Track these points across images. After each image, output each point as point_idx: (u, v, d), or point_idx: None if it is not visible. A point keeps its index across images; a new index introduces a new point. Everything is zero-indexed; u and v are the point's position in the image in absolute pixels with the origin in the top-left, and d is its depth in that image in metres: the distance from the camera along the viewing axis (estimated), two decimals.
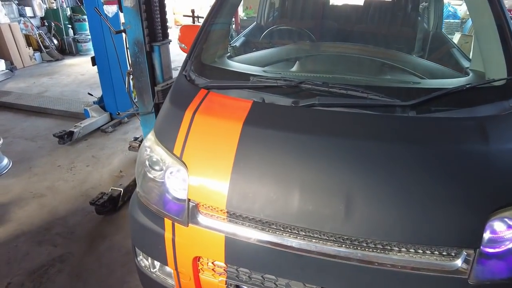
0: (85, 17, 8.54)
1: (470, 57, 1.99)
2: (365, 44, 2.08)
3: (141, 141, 3.37)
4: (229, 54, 2.05)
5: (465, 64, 1.97)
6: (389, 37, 2.38)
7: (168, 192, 1.35)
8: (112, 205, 2.64)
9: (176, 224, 1.31)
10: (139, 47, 2.61)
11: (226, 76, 1.64)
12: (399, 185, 1.11)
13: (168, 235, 1.34)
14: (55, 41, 8.29)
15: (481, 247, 1.07)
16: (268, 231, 1.18)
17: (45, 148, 3.75)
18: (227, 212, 1.21)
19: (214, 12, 1.88)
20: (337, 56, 1.96)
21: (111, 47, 3.59)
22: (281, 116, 1.33)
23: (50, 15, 8.33)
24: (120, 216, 2.67)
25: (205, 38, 1.80)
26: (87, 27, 8.56)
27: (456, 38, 5.17)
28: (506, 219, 1.08)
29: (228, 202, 1.19)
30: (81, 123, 3.93)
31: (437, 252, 1.09)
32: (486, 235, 1.07)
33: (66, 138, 3.70)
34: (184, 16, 4.86)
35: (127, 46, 2.73)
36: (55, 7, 8.50)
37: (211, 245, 1.26)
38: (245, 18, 6.05)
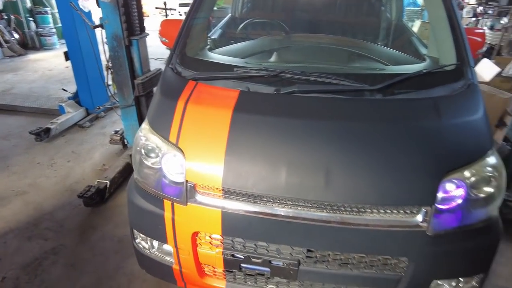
0: (48, 9, 8.21)
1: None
2: (334, 34, 2.27)
3: (121, 134, 3.42)
4: (209, 46, 2.17)
5: (423, 51, 2.21)
6: (356, 27, 2.59)
7: (166, 177, 1.48)
8: (99, 197, 2.71)
9: (175, 204, 1.45)
10: (118, 41, 2.67)
11: (211, 68, 1.76)
12: (370, 157, 1.30)
13: (168, 214, 1.47)
14: (16, 35, 7.92)
15: (436, 204, 1.29)
16: (260, 203, 1.35)
17: (21, 146, 3.70)
18: (223, 189, 1.36)
19: (196, 6, 1.99)
20: (311, 47, 2.14)
21: (85, 41, 3.59)
22: (266, 103, 1.49)
23: (8, 7, 7.91)
24: (108, 207, 2.75)
25: (188, 32, 1.91)
26: (51, 20, 8.24)
27: (416, 25, 5.51)
28: (454, 180, 1.30)
29: (224, 181, 1.34)
30: (57, 119, 3.89)
31: (401, 211, 1.30)
32: (440, 194, 1.29)
33: (43, 135, 3.66)
34: (156, 8, 4.83)
35: (105, 40, 2.77)
36: None
37: (209, 220, 1.41)
38: (215, 8, 6.08)
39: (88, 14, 3.30)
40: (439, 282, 1.49)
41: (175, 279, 1.70)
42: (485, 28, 5.95)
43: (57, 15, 7.82)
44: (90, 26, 2.71)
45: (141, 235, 1.66)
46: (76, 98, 4.22)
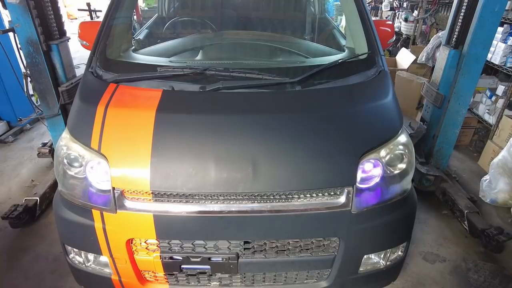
0: None
1: None
2: (260, 31, 2.32)
3: (50, 146, 3.18)
4: (133, 47, 2.10)
5: (343, 42, 2.35)
6: (282, 23, 2.67)
7: (92, 186, 1.41)
8: (29, 216, 2.49)
9: (104, 213, 1.39)
10: (34, 47, 2.46)
11: (133, 69, 1.71)
12: (293, 146, 1.36)
13: (98, 224, 1.41)
14: None
15: (357, 184, 1.38)
16: (192, 202, 1.34)
17: None
18: (152, 192, 1.34)
19: (114, 6, 1.91)
20: (236, 44, 2.16)
21: None
22: (191, 101, 1.49)
23: None
24: (41, 225, 2.54)
25: (108, 33, 1.83)
26: None
27: (344, 19, 5.84)
28: (371, 160, 1.41)
29: (152, 184, 1.31)
30: None
31: (326, 194, 1.38)
32: (359, 175, 1.39)
33: None
34: (79, 10, 4.51)
35: (19, 46, 2.54)
36: None
37: (142, 225, 1.38)
38: (146, 9, 5.88)
39: None
40: (370, 256, 1.61)
41: None
42: (401, 20, 6.50)
43: None
44: None
45: (74, 249, 1.58)
46: None
